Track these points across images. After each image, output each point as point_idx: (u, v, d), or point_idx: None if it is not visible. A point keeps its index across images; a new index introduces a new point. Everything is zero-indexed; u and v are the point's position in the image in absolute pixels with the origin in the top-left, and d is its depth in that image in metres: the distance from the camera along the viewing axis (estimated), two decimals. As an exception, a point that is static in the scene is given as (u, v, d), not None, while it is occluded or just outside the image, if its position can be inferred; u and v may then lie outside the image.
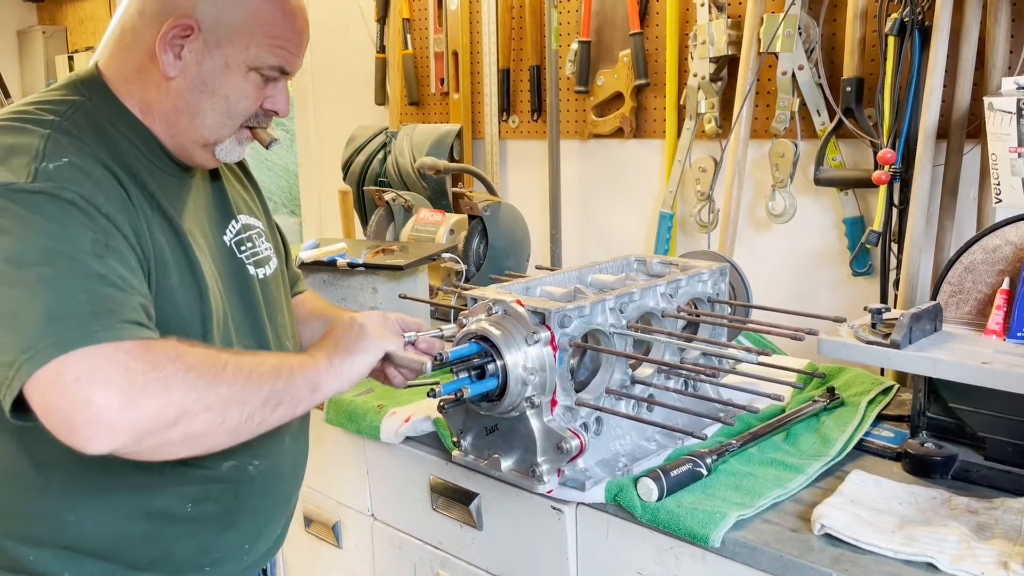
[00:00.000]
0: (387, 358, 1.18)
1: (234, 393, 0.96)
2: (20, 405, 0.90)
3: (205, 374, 0.95)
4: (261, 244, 1.29)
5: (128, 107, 1.12)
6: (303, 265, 1.82)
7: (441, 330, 1.28)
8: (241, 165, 1.35)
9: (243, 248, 1.24)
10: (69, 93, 1.10)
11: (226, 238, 1.22)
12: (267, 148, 1.20)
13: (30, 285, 0.91)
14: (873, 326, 1.29)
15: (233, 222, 1.24)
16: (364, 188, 2.53)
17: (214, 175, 1.26)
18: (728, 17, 1.92)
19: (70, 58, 4.33)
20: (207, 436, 0.95)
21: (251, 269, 1.24)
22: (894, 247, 1.72)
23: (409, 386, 1.56)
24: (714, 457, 1.26)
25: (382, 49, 2.73)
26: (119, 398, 0.88)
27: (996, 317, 1.27)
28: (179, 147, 1.14)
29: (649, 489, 1.18)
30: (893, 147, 1.66)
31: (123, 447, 0.89)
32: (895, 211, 1.70)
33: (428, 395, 1.19)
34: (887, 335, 1.24)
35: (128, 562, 1.10)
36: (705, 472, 1.24)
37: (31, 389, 0.88)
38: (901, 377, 1.64)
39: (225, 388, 0.95)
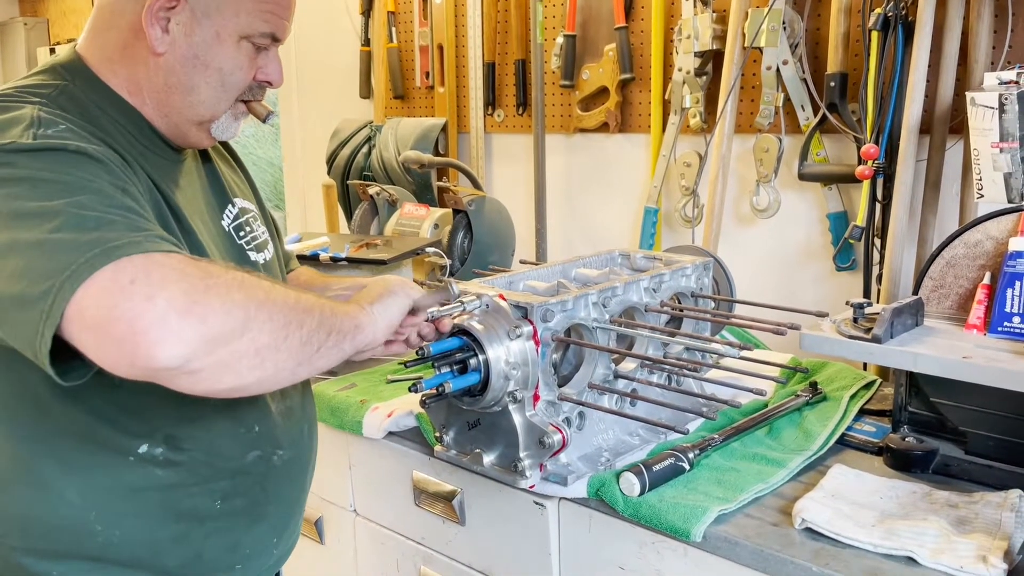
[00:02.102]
0: (411, 311, 1.13)
1: (290, 308, 0.89)
2: (58, 356, 0.82)
3: (258, 287, 0.88)
4: (258, 228, 1.24)
5: (114, 88, 1.06)
6: (286, 259, 1.81)
7: (462, 303, 1.23)
8: (227, 147, 1.30)
9: (242, 233, 1.19)
10: (50, 78, 1.04)
11: (224, 223, 1.17)
12: (264, 121, 1.15)
13: (57, 214, 0.83)
14: (855, 321, 1.29)
15: (230, 206, 1.19)
16: (348, 182, 2.51)
17: (205, 157, 1.20)
18: (713, 11, 1.92)
19: (51, 51, 4.28)
20: (275, 352, 0.87)
21: (252, 255, 1.19)
22: (877, 242, 1.72)
23: (392, 381, 1.56)
24: (696, 452, 1.26)
25: (367, 42, 2.71)
26: (183, 299, 0.79)
27: (977, 312, 1.28)
28: (173, 127, 1.09)
29: (631, 484, 1.18)
30: (876, 142, 1.66)
31: (193, 355, 0.80)
32: (878, 206, 1.71)
33: (410, 390, 1.18)
34: (869, 330, 1.24)
35: (159, 567, 1.06)
36: (687, 467, 1.24)
37: (75, 310, 0.78)
38: (884, 372, 1.64)
39: (280, 303, 0.89)
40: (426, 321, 1.19)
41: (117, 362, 0.80)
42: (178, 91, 1.06)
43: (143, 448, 1.02)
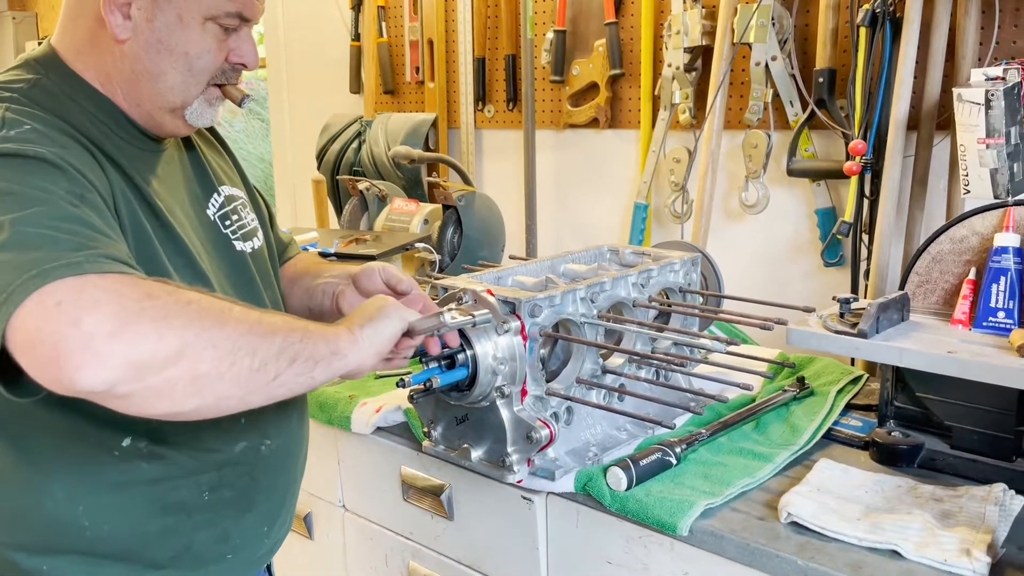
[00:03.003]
0: (406, 333, 1.07)
1: (241, 334, 0.85)
2: (8, 373, 0.81)
3: (207, 310, 0.85)
4: (247, 215, 1.21)
5: (87, 80, 1.04)
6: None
7: (473, 316, 1.19)
8: (213, 131, 1.27)
9: (228, 222, 1.16)
10: (23, 72, 1.03)
11: (209, 212, 1.14)
12: (240, 106, 1.11)
13: (3, 229, 0.82)
14: (841, 316, 1.30)
15: (216, 195, 1.16)
16: (338, 177, 2.51)
17: (188, 145, 1.17)
18: (702, 7, 1.92)
19: (40, 44, 4.25)
20: (216, 381, 0.83)
21: (238, 244, 1.16)
22: (865, 238, 1.73)
23: (380, 377, 1.56)
24: (683, 446, 1.27)
25: (357, 37, 2.70)
26: (111, 322, 0.78)
27: (962, 307, 1.28)
28: (146, 116, 1.06)
29: (618, 478, 1.18)
30: (864, 138, 1.67)
31: (121, 381, 0.78)
32: (866, 202, 1.71)
33: (398, 385, 1.18)
34: (855, 325, 1.24)
35: (149, 560, 1.05)
36: (674, 461, 1.24)
37: (11, 333, 0.78)
38: (871, 367, 1.65)
39: (231, 328, 0.85)
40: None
41: (48, 383, 0.79)
42: (145, 78, 1.03)
43: (126, 442, 1.02)
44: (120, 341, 0.78)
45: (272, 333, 0.89)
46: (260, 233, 1.23)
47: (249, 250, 1.18)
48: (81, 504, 1.01)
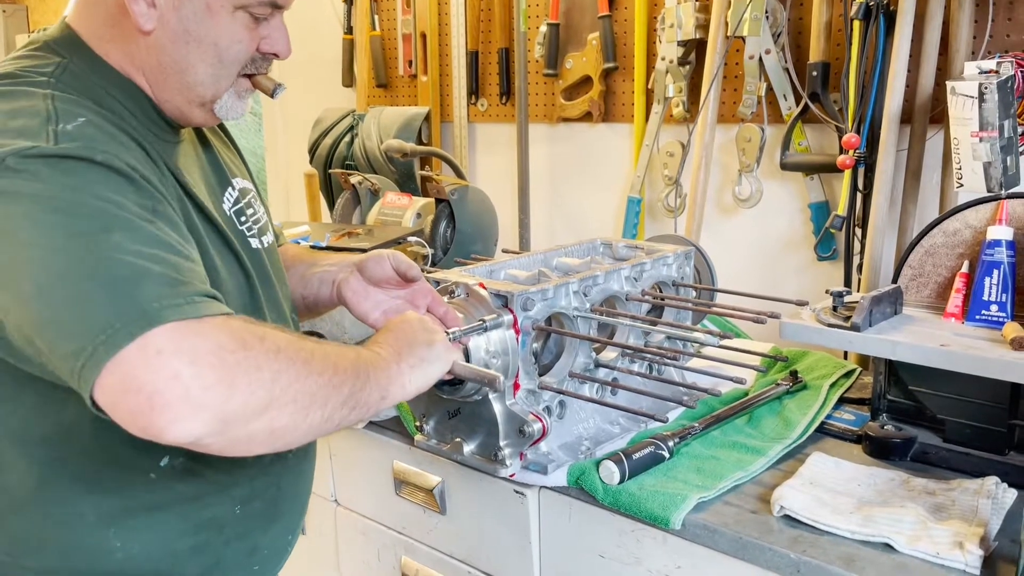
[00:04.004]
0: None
1: (320, 387, 0.85)
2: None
3: (295, 359, 0.84)
4: (259, 208, 1.16)
5: (113, 66, 0.97)
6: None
7: (484, 321, 1.19)
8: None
9: (243, 218, 1.11)
10: (47, 54, 0.95)
11: (225, 207, 1.09)
12: (273, 96, 1.07)
13: (85, 258, 0.78)
14: (834, 309, 1.30)
15: (230, 189, 1.11)
16: (330, 171, 2.50)
17: (200, 135, 1.12)
18: (696, 0, 1.91)
19: (46, 28, 4.22)
20: (290, 432, 0.84)
21: (254, 241, 1.11)
22: (858, 231, 1.73)
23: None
24: (676, 440, 1.26)
25: (349, 30, 2.69)
26: (209, 375, 0.76)
27: (955, 300, 1.28)
28: (174, 109, 1.00)
29: (611, 472, 1.18)
30: (858, 132, 1.66)
31: (207, 434, 0.77)
32: (859, 196, 1.71)
33: (389, 379, 1.17)
34: (848, 318, 1.24)
35: None
36: (667, 455, 1.24)
37: (107, 378, 0.76)
38: (864, 361, 1.65)
39: (312, 380, 0.85)
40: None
41: (132, 428, 0.78)
42: (172, 71, 0.97)
43: (164, 461, 0.99)
44: (215, 396, 0.77)
45: (342, 384, 0.89)
46: (271, 227, 1.19)
47: (265, 246, 1.14)
48: (113, 526, 0.98)
